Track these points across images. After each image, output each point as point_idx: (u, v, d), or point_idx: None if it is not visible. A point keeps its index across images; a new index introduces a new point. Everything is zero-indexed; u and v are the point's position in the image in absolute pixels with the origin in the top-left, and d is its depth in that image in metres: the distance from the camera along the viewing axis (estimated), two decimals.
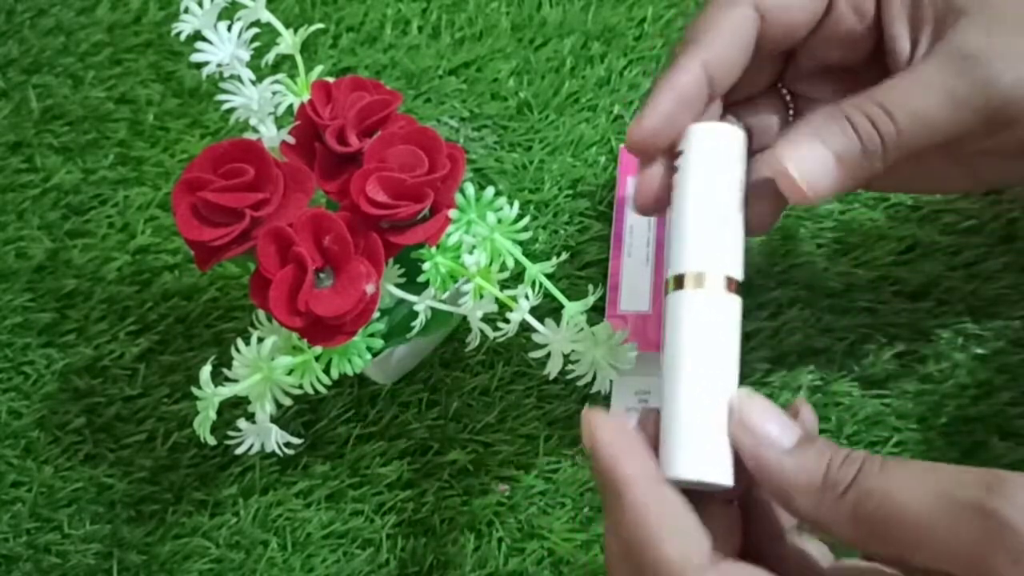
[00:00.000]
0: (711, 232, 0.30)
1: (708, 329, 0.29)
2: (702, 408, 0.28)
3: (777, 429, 0.27)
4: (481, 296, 0.35)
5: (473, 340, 0.36)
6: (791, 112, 0.37)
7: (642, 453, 0.28)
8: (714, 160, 0.31)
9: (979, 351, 0.45)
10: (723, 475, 0.28)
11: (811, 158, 0.30)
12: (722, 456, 0.28)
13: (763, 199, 0.31)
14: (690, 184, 0.30)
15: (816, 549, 0.30)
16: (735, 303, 0.29)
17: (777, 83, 0.37)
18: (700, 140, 0.31)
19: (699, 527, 0.27)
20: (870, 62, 0.34)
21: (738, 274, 0.30)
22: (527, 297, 0.35)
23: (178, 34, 0.40)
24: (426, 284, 0.36)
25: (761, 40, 0.33)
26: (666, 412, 0.29)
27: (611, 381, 0.36)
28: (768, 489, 0.27)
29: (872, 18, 0.33)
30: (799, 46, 0.35)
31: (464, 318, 0.36)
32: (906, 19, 0.32)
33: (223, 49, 0.40)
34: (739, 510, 0.30)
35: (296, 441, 0.37)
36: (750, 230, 0.31)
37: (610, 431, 0.29)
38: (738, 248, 0.30)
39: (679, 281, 0.29)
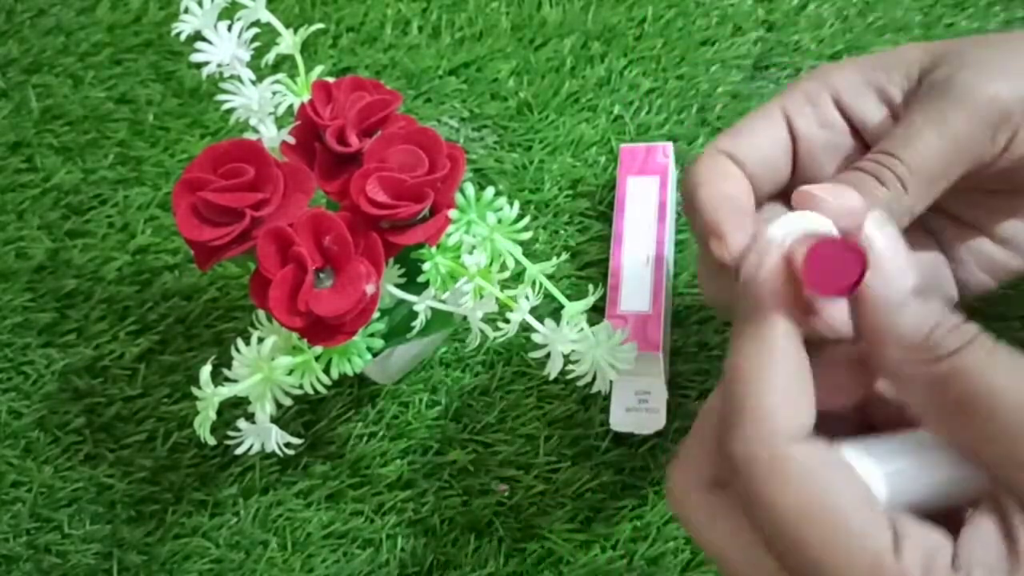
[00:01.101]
0: None
1: None
2: None
3: (901, 267, 0.25)
4: (481, 296, 0.35)
5: (473, 340, 0.36)
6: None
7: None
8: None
9: None
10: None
11: (842, 195, 0.28)
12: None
13: None
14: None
15: None
16: None
17: None
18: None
19: (812, 400, 0.25)
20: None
21: None
22: (527, 297, 0.35)
23: (178, 34, 0.40)
24: (426, 284, 0.36)
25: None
26: None
27: (611, 381, 0.36)
28: (863, 326, 0.25)
29: (845, 125, 0.34)
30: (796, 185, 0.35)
31: (464, 318, 0.36)
32: (877, 102, 0.33)
33: (223, 49, 0.40)
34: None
35: (296, 441, 0.37)
36: None
37: (774, 257, 0.26)
38: None
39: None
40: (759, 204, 0.33)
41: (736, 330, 0.26)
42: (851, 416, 0.29)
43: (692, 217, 0.32)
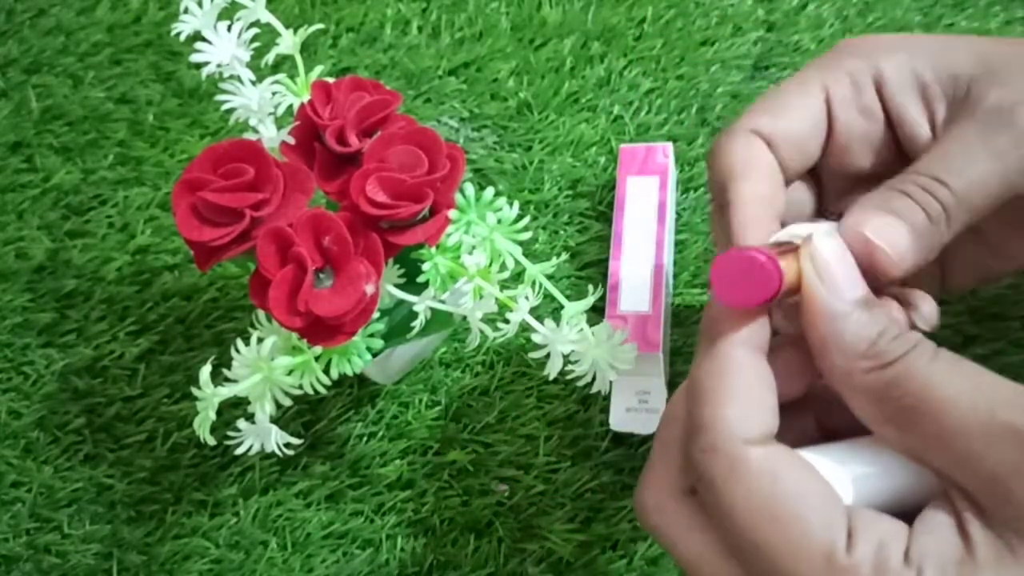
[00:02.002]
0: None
1: None
2: None
3: (846, 277, 0.25)
4: (481, 296, 0.35)
5: (473, 340, 0.36)
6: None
7: (750, 319, 0.26)
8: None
9: (979, 351, 0.45)
10: None
11: (890, 229, 0.28)
12: None
13: None
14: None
15: None
16: None
17: (821, 210, 0.36)
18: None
19: (771, 407, 0.25)
20: (899, 163, 0.33)
21: None
22: (527, 297, 0.35)
23: (178, 34, 0.40)
24: (426, 284, 0.36)
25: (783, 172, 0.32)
26: None
27: (611, 381, 0.36)
28: (808, 334, 0.26)
29: (883, 115, 0.32)
30: (822, 167, 0.34)
31: (464, 318, 0.36)
32: (918, 102, 0.32)
33: (223, 49, 0.40)
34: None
35: (296, 441, 0.37)
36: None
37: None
38: None
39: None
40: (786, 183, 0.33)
41: (698, 343, 0.27)
42: (814, 426, 0.29)
43: (718, 198, 0.31)
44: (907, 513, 0.25)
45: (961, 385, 0.23)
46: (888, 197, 0.29)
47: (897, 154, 0.33)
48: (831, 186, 0.35)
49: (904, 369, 0.24)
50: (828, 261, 0.26)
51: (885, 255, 0.28)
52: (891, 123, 0.33)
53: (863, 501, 0.25)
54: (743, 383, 0.25)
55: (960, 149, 0.30)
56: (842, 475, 0.25)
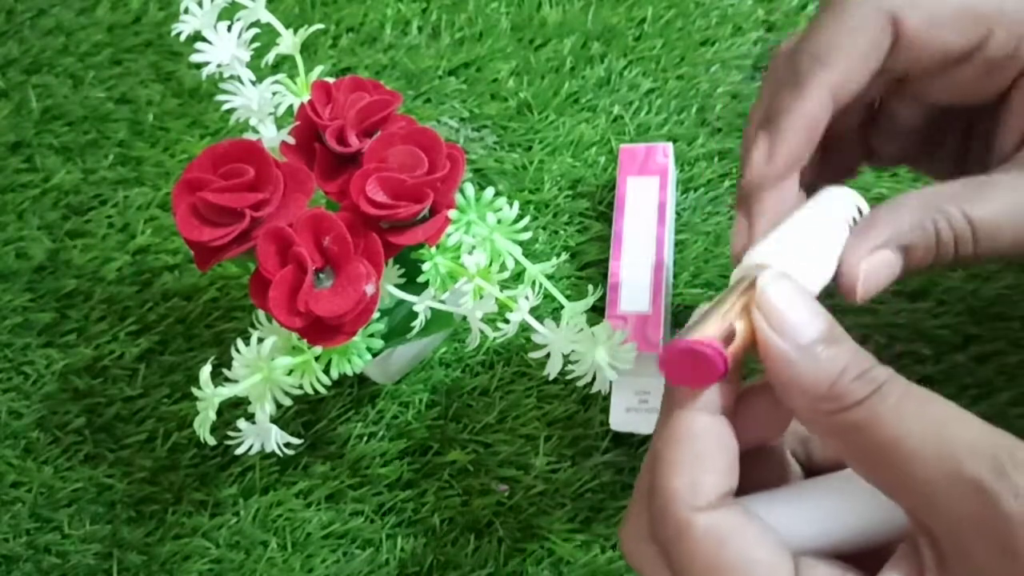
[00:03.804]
0: (808, 248, 0.29)
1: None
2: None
3: (796, 319, 0.25)
4: (481, 296, 0.35)
5: (473, 340, 0.36)
6: (872, 116, 0.35)
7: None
8: (836, 207, 0.30)
9: (979, 351, 0.45)
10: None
11: (882, 268, 0.29)
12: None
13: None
14: (808, 210, 0.30)
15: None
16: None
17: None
18: (831, 194, 0.30)
19: (729, 466, 0.25)
20: (968, 111, 0.32)
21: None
22: (527, 297, 0.35)
23: (178, 34, 0.40)
24: (426, 284, 0.36)
25: (887, 65, 0.30)
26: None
27: (611, 381, 0.36)
28: (771, 380, 0.26)
29: (1003, 86, 0.31)
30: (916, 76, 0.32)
31: (464, 318, 0.36)
32: None
33: (223, 49, 0.40)
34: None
35: (296, 441, 0.37)
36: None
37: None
38: (820, 281, 0.29)
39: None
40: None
41: (661, 405, 0.27)
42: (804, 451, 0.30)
43: (770, 109, 0.30)
44: (879, 549, 0.25)
45: (927, 433, 0.22)
46: (921, 220, 0.29)
47: (966, 125, 0.32)
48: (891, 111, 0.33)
49: (868, 414, 0.23)
50: (777, 309, 0.25)
51: (853, 291, 0.28)
52: (994, 104, 0.31)
53: (825, 541, 0.26)
54: (696, 450, 0.25)
55: (1009, 211, 0.28)
56: (799, 520, 0.26)
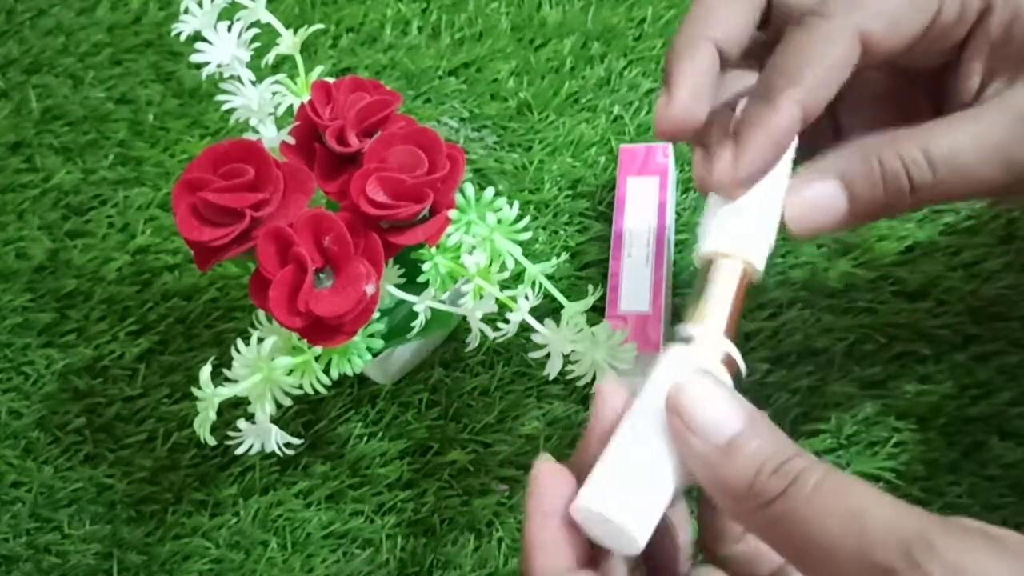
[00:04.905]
0: (747, 219, 0.29)
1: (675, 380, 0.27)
2: (637, 452, 0.26)
3: (713, 417, 0.25)
4: (481, 296, 0.35)
5: (473, 340, 0.36)
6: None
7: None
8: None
9: (979, 351, 0.45)
10: (633, 525, 0.25)
11: (820, 196, 0.29)
12: (639, 508, 0.25)
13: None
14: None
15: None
16: (723, 378, 0.28)
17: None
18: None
19: (573, 546, 0.26)
20: (932, 71, 0.33)
21: (739, 359, 0.28)
22: (527, 297, 0.35)
23: (178, 34, 0.40)
24: (426, 284, 0.36)
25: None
26: (605, 449, 0.27)
27: None
28: (699, 480, 0.26)
29: (957, 41, 0.31)
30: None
31: (464, 318, 0.36)
32: (986, 53, 0.31)
33: (223, 49, 0.40)
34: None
35: (296, 441, 0.37)
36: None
37: (543, 473, 0.28)
38: (765, 240, 0.29)
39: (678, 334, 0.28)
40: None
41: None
42: None
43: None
44: None
45: (842, 523, 0.22)
46: (858, 154, 0.29)
47: (930, 82, 0.32)
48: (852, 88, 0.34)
49: (784, 509, 0.23)
50: (694, 408, 0.25)
51: (795, 223, 0.29)
52: (952, 57, 0.32)
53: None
54: (549, 532, 0.27)
55: (969, 139, 0.29)
56: None
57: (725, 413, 0.25)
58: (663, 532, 0.29)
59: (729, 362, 0.27)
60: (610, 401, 0.28)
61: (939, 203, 0.30)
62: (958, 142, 0.29)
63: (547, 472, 0.28)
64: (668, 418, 0.26)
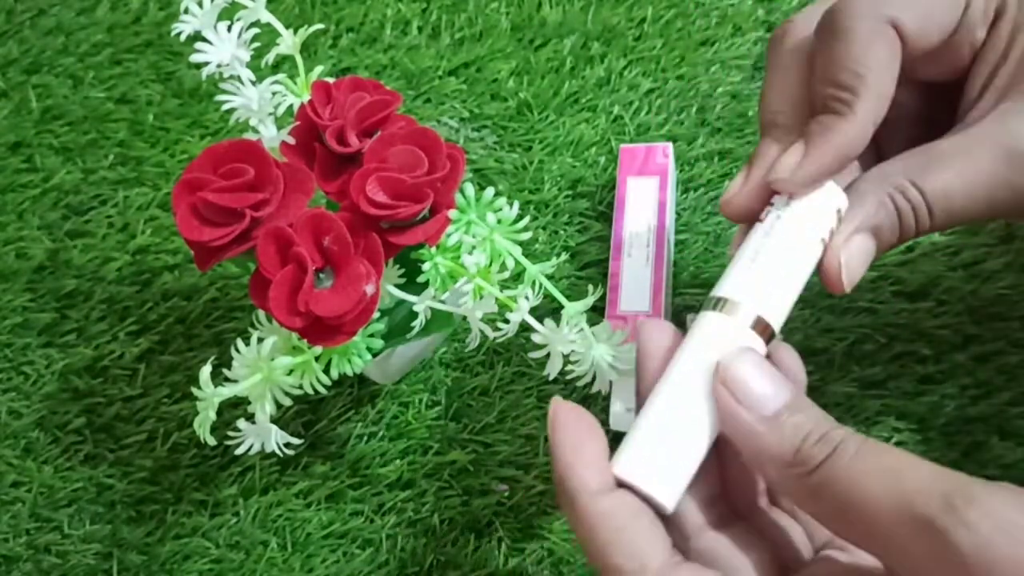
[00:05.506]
0: (773, 277, 0.29)
1: (713, 352, 0.28)
2: (673, 418, 0.28)
3: (760, 392, 0.26)
4: (481, 296, 0.35)
5: (473, 340, 0.36)
6: None
7: (593, 459, 0.28)
8: (810, 216, 0.30)
9: (979, 351, 0.45)
10: (663, 493, 0.27)
11: (858, 253, 0.30)
12: (670, 475, 0.27)
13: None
14: (778, 233, 0.30)
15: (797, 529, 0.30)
16: (757, 344, 0.28)
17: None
18: (802, 202, 0.30)
19: (651, 533, 0.27)
20: (956, 83, 0.33)
21: (775, 323, 0.29)
22: (527, 297, 0.35)
23: (178, 34, 0.40)
24: (426, 284, 0.36)
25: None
26: (642, 411, 0.29)
27: (611, 381, 0.36)
28: (742, 451, 0.27)
29: (976, 50, 0.32)
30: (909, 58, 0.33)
31: (464, 318, 0.36)
32: (990, 65, 0.31)
33: (223, 49, 0.40)
34: (719, 480, 0.30)
35: (296, 441, 0.37)
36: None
37: (567, 431, 0.28)
38: (788, 303, 0.30)
39: (715, 303, 0.29)
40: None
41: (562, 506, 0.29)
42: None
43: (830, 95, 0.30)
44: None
45: (882, 482, 0.23)
46: (879, 202, 0.30)
47: (947, 91, 0.33)
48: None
49: (828, 473, 0.25)
50: (743, 384, 0.27)
51: (839, 282, 0.30)
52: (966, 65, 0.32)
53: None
54: (615, 530, 0.27)
55: (961, 175, 0.29)
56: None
57: (772, 388, 0.27)
58: (739, 466, 0.30)
59: (762, 326, 0.28)
60: (656, 341, 0.29)
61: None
62: (951, 185, 0.29)
63: (566, 409, 0.29)
64: (717, 391, 0.27)
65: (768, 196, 0.31)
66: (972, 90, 0.32)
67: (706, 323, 0.29)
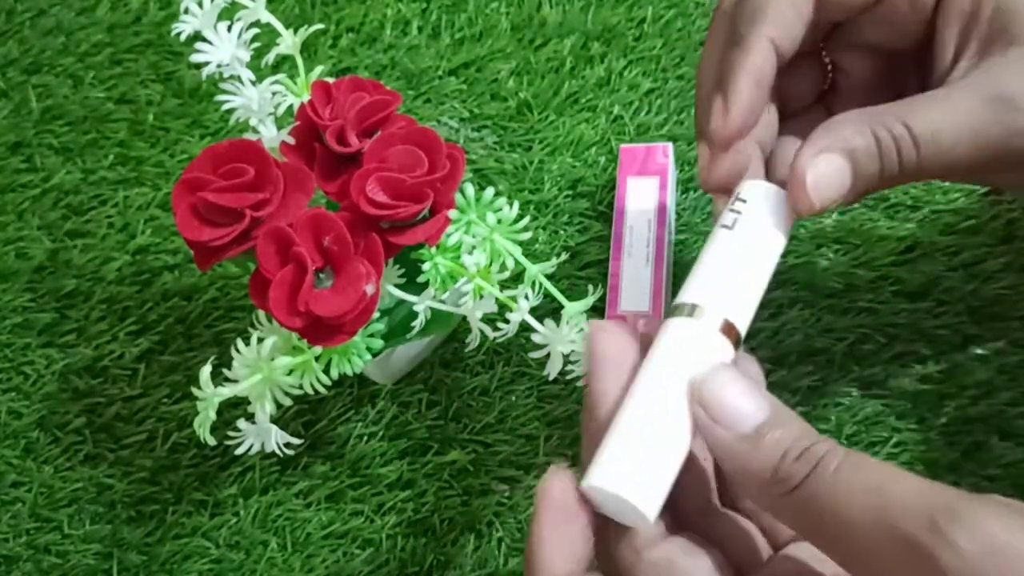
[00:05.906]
0: (736, 279, 0.29)
1: (684, 359, 0.27)
2: (649, 428, 0.26)
3: (738, 409, 0.25)
4: (481, 296, 0.35)
5: (473, 340, 0.36)
6: (828, 79, 0.36)
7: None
8: (766, 223, 0.30)
9: (979, 351, 0.45)
10: (645, 504, 0.26)
11: (829, 170, 0.29)
12: (650, 485, 0.26)
13: None
14: (737, 236, 0.30)
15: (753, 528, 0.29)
16: (725, 348, 0.28)
17: (819, 48, 0.36)
18: (759, 201, 0.30)
19: (581, 545, 0.26)
20: (915, 51, 0.34)
21: (741, 325, 0.28)
22: (527, 297, 0.35)
23: (178, 34, 0.40)
24: (426, 284, 0.36)
25: (816, 11, 0.32)
26: (614, 421, 0.27)
27: None
28: (724, 470, 0.26)
29: (927, 14, 0.32)
30: (848, 20, 0.34)
31: (464, 318, 0.36)
32: (958, 28, 0.31)
33: (223, 49, 0.40)
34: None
35: (296, 441, 0.37)
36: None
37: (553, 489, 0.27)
38: (752, 303, 0.29)
39: (681, 309, 0.28)
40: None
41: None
42: None
43: (739, 28, 0.31)
44: None
45: (864, 499, 0.23)
46: (857, 128, 0.29)
47: (917, 47, 0.33)
48: (847, 36, 0.34)
49: (809, 492, 0.24)
50: (718, 400, 0.26)
51: (805, 197, 0.29)
52: (930, 26, 0.32)
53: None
54: (558, 534, 0.26)
55: (948, 118, 0.29)
56: None
57: (750, 404, 0.25)
58: (686, 467, 0.28)
59: (728, 329, 0.28)
60: (612, 344, 0.28)
61: (917, 182, 0.31)
62: (936, 121, 0.29)
63: (558, 476, 0.28)
64: (693, 409, 0.26)
65: (732, 158, 0.31)
66: (944, 56, 0.32)
67: (673, 329, 0.28)
